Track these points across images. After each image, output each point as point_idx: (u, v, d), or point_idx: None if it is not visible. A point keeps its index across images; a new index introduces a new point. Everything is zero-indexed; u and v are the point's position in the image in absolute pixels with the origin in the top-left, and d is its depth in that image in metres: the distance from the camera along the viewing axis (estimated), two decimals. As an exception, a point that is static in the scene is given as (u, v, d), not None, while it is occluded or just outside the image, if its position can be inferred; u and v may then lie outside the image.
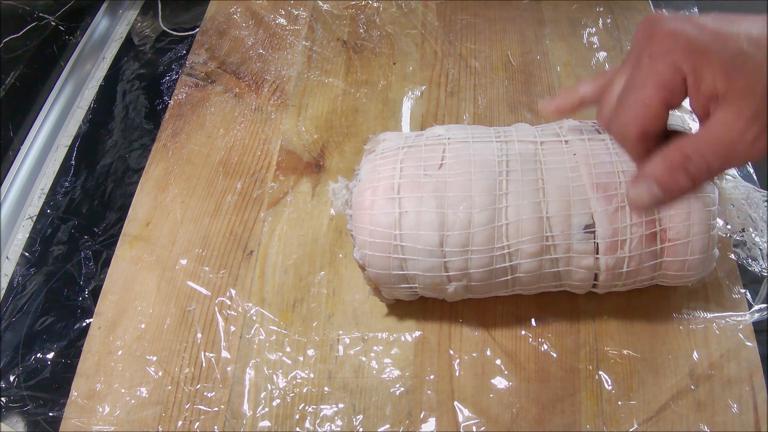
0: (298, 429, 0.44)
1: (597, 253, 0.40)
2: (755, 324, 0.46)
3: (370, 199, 0.41)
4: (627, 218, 0.40)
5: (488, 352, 0.46)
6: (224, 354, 0.47)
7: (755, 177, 0.55)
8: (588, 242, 0.40)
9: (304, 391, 0.45)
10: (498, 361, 0.45)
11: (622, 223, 0.40)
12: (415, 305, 0.48)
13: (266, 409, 0.45)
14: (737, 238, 0.49)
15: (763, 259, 0.48)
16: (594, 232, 0.40)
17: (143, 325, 0.49)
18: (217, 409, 0.45)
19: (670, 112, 0.33)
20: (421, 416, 0.44)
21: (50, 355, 0.50)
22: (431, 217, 0.40)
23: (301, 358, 0.47)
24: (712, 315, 0.46)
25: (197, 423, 0.44)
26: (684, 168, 0.32)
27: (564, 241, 0.40)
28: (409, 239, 0.40)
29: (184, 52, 0.71)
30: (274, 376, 0.46)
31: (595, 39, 0.67)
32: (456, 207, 0.40)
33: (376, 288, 0.44)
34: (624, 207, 0.40)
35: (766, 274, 0.48)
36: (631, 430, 0.42)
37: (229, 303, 0.50)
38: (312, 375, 0.46)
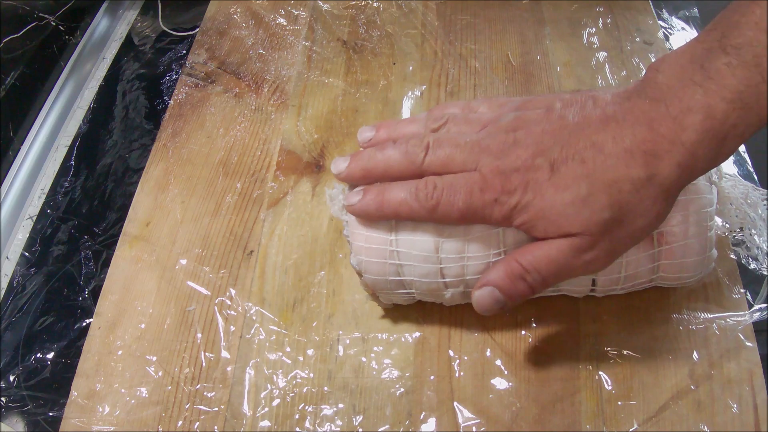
0: (298, 429, 0.44)
1: (596, 254, 0.40)
2: (755, 324, 0.46)
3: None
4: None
5: (488, 353, 0.46)
6: (224, 354, 0.47)
7: (755, 176, 0.55)
8: (588, 243, 0.40)
9: (304, 391, 0.45)
10: (498, 362, 0.45)
11: (621, 223, 0.40)
12: (414, 306, 0.48)
13: (266, 409, 0.45)
14: (737, 237, 0.49)
15: (763, 258, 0.48)
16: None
17: (143, 325, 0.49)
18: (217, 409, 0.45)
19: None
20: (421, 416, 0.44)
21: (50, 355, 0.50)
22: (427, 223, 0.40)
23: (301, 358, 0.47)
24: (712, 315, 0.46)
25: (197, 423, 0.44)
26: (522, 278, 0.35)
27: (563, 243, 0.40)
28: (405, 245, 0.40)
29: (184, 52, 0.71)
30: (274, 376, 0.46)
31: (595, 39, 0.67)
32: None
33: (374, 294, 0.44)
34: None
35: (766, 273, 0.48)
36: (631, 430, 0.42)
37: (229, 303, 0.50)
38: (312, 375, 0.46)
